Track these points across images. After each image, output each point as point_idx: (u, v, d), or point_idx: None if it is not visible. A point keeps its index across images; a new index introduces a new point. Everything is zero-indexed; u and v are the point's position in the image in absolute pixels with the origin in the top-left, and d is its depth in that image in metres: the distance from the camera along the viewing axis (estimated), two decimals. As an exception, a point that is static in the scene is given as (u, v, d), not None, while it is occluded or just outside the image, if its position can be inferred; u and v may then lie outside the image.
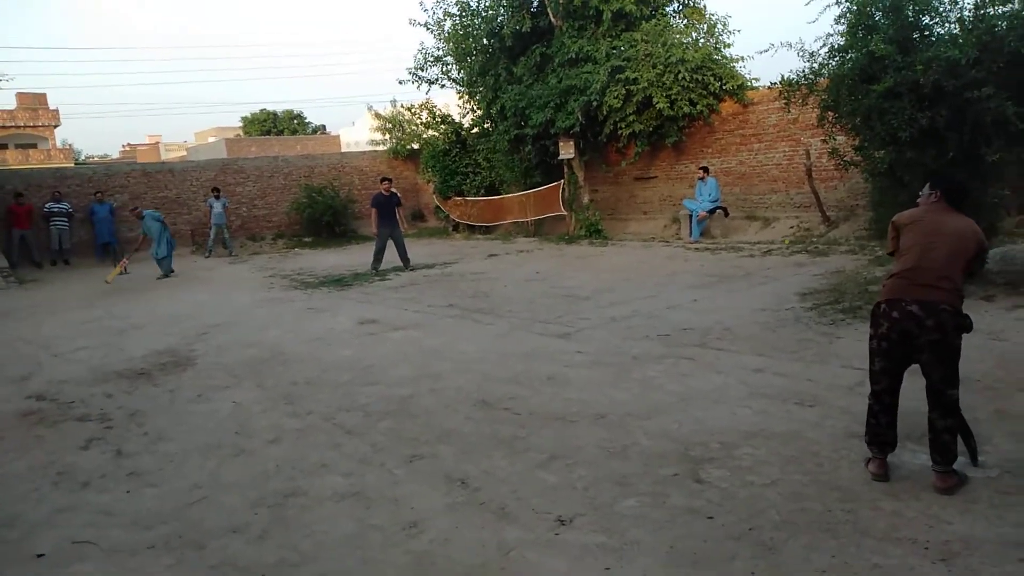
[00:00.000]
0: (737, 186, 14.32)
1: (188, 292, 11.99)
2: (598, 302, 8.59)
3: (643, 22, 14.59)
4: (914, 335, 3.46)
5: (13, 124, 46.01)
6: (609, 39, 14.70)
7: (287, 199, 20.40)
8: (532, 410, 4.92)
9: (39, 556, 3.38)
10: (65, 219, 17.03)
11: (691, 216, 13.76)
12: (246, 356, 7.07)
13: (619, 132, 14.55)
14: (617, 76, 13.95)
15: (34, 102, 47.01)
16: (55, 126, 48.01)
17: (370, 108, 22.03)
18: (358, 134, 43.10)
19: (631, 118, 14.19)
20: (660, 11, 15.24)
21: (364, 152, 23.57)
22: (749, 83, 14.12)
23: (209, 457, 4.49)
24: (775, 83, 10.02)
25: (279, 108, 51.26)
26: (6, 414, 5.66)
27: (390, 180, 13.27)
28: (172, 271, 14.00)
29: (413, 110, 20.76)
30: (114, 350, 7.74)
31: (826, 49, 7.34)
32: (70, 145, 49.86)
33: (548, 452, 4.17)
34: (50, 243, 16.87)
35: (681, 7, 15.67)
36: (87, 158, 54.21)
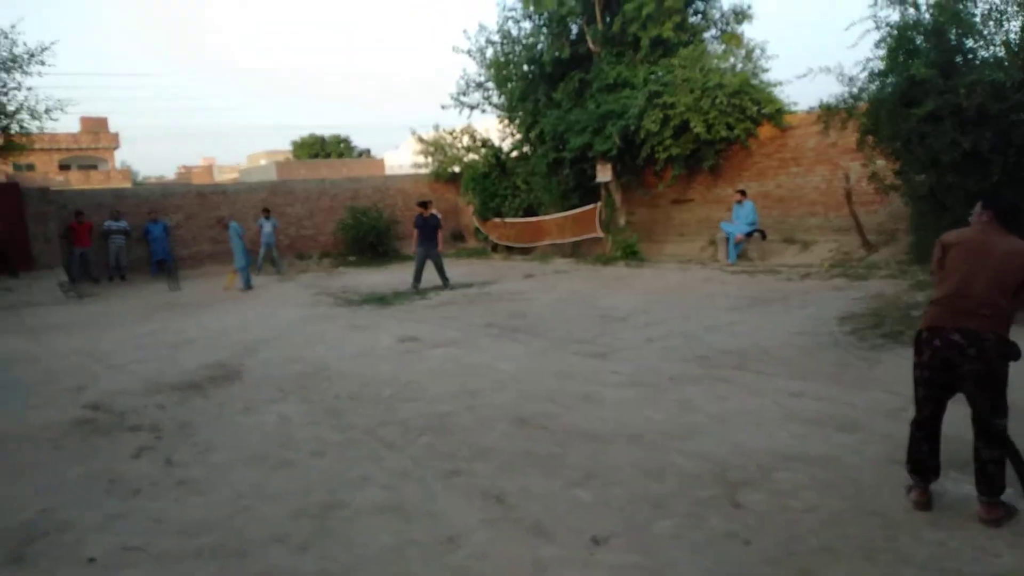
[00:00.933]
0: (775, 209, 14.13)
1: (239, 308, 12.25)
2: (634, 323, 8.52)
3: (681, 48, 14.59)
4: (956, 364, 3.33)
5: (76, 147, 47.91)
6: (647, 65, 14.74)
7: (333, 220, 20.76)
8: (568, 429, 4.89)
9: (91, 560, 3.46)
10: (123, 236, 17.61)
11: (728, 239, 13.60)
12: (292, 371, 7.18)
13: (656, 155, 14.51)
14: (655, 101, 13.95)
15: (96, 126, 48.92)
16: (115, 148, 49.84)
17: (413, 132, 22.39)
18: (402, 157, 43.81)
19: (668, 142, 14.15)
20: (698, 37, 15.24)
21: (407, 175, 23.91)
22: (787, 107, 13.99)
23: (254, 468, 4.56)
24: (814, 108, 9.91)
25: (327, 132, 52.37)
26: (63, 423, 5.83)
27: (425, 204, 13.43)
28: (250, 285, 14.54)
29: (455, 134, 21.05)
30: (167, 363, 7.93)
31: (866, 73, 7.26)
32: (128, 167, 51.67)
33: (584, 471, 4.14)
34: (108, 260, 17.44)
35: (719, 33, 15.64)
36: (144, 179, 56.03)
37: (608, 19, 15.38)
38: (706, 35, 15.57)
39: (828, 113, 7.76)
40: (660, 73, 14.41)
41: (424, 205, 13.31)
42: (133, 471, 4.63)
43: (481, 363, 7.00)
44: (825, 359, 6.22)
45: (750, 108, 13.72)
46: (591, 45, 15.45)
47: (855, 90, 7.31)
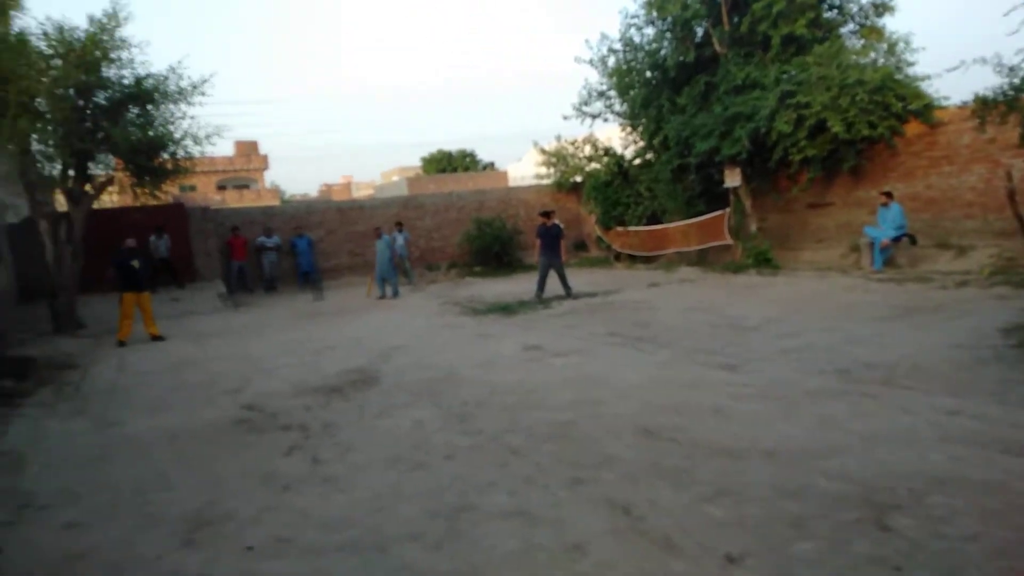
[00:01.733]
0: (925, 212, 13.06)
1: (374, 317, 12.91)
2: (767, 333, 8.16)
3: (816, 45, 13.86)
4: None
5: (231, 168, 52.43)
6: (778, 64, 14.12)
7: (459, 231, 21.41)
8: (696, 442, 4.76)
9: (249, 548, 3.77)
10: (275, 252, 19.07)
11: (873, 244, 12.72)
12: (423, 377, 7.48)
13: (790, 158, 13.85)
14: (788, 101, 13.33)
15: (248, 149, 53.33)
16: (264, 169, 54.07)
17: (535, 144, 22.69)
18: (524, 169, 44.43)
19: (803, 143, 13.46)
20: (834, 33, 14.42)
21: (529, 186, 24.25)
22: (936, 102, 12.91)
23: (391, 469, 4.79)
24: (968, 102, 9.08)
25: (454, 147, 54.21)
26: (223, 421, 6.39)
27: (548, 214, 13.54)
28: (385, 294, 15.45)
29: (576, 144, 21.12)
30: (311, 368, 8.49)
31: (1031, 61, 6.56)
32: (276, 186, 55.83)
33: (715, 486, 4.01)
34: (262, 272, 18.94)
35: (858, 27, 14.72)
36: (290, 197, 60.31)
37: (735, 19, 14.91)
38: (843, 30, 14.71)
39: (985, 107, 7.09)
40: (793, 72, 13.76)
41: (547, 215, 13.45)
42: (284, 467, 5.00)
43: (605, 373, 6.97)
44: (986, 375, 5.67)
45: (894, 104, 12.79)
46: (717, 47, 15.02)
47: (1016, 80, 6.63)
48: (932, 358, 6.31)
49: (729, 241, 15.45)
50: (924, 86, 13.03)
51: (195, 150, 13.89)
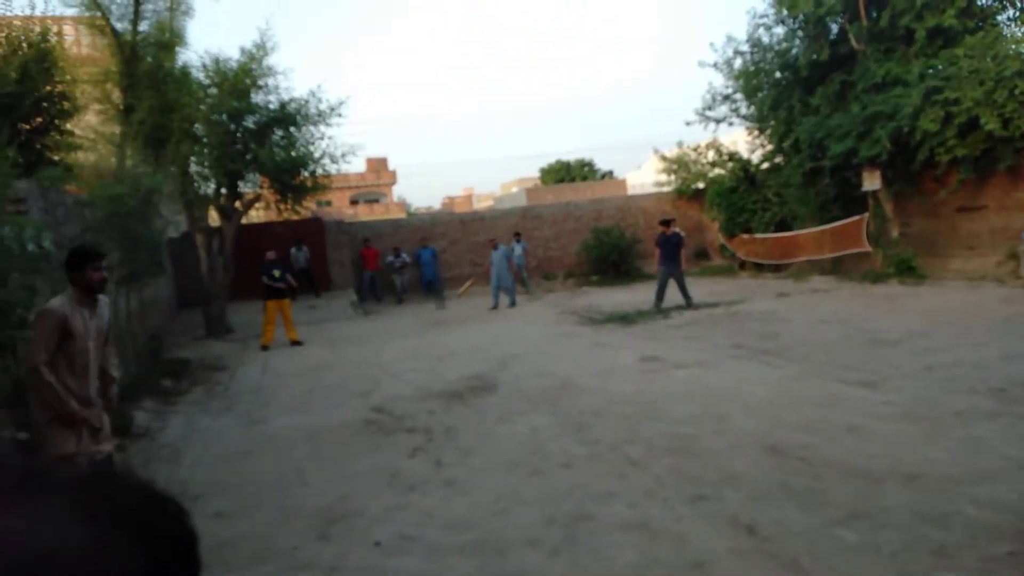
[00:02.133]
0: (1100, 214, 11.67)
1: (492, 326, 13.19)
2: (910, 348, 7.60)
3: (967, 36, 12.78)
4: None
5: (363, 184, 55.33)
6: (923, 59, 13.14)
7: (577, 240, 21.44)
8: (829, 462, 4.52)
9: (377, 544, 3.98)
10: (404, 269, 19.95)
11: (1034, 251, 11.51)
12: (541, 385, 7.56)
13: (936, 158, 12.82)
14: (934, 97, 12.37)
15: (378, 165, 56.08)
16: (392, 184, 56.64)
17: (656, 151, 22.33)
18: (643, 177, 43.74)
19: (952, 142, 12.43)
20: (989, 21, 13.23)
21: (649, 194, 23.89)
22: (1116, 91, 11.52)
23: (510, 474, 4.89)
24: None
25: (572, 157, 54.33)
26: (355, 422, 6.76)
27: (667, 222, 13.30)
28: (498, 303, 15.83)
29: (699, 149, 20.59)
30: (434, 373, 8.81)
31: None
32: (403, 200, 58.33)
33: (848, 509, 3.80)
34: (392, 285, 19.84)
35: (1018, 13, 13.42)
36: (416, 210, 62.81)
37: (874, 14, 14.03)
38: (1000, 18, 13.46)
39: None
40: (940, 66, 12.76)
41: (666, 223, 13.22)
42: (409, 468, 5.23)
43: (729, 386, 6.75)
44: None
45: (1062, 97, 11.55)
46: (854, 43, 14.19)
47: None
48: (1108, 379, 5.63)
49: (868, 248, 14.49)
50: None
51: (332, 168, 14.80)
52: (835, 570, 3.18)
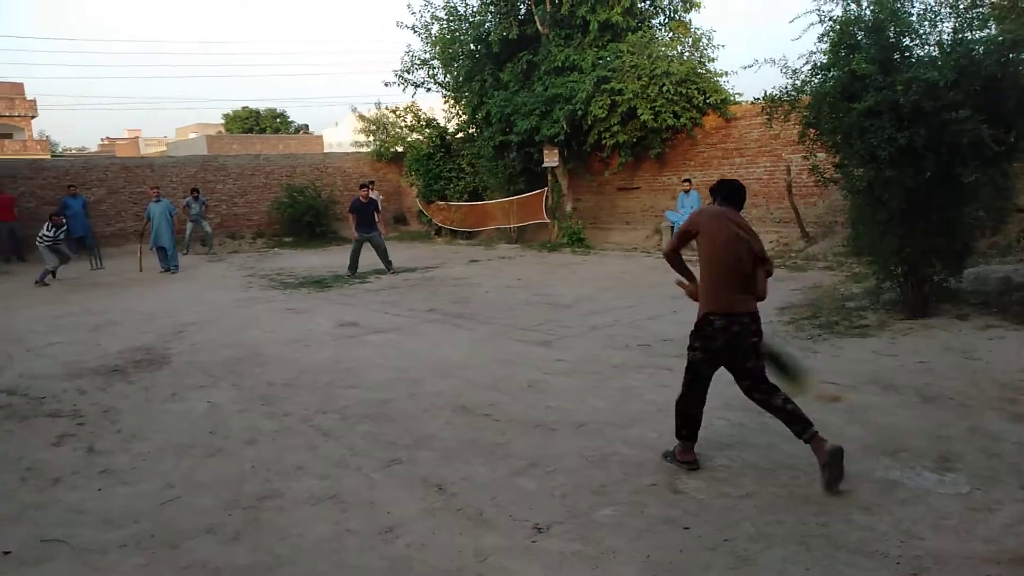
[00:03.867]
0: (719, 199, 14.47)
1: (165, 290, 11.85)
2: (579, 310, 8.63)
3: (629, 34, 14.72)
4: (742, 342, 3.81)
5: (-11, 113, 45.19)
6: (595, 49, 14.82)
7: (268, 198, 20.26)
8: (512, 417, 4.93)
9: (6, 553, 3.32)
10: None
11: (673, 227, 13.88)
12: (223, 356, 7.00)
13: (603, 142, 14.66)
14: (603, 86, 14.06)
15: (11, 91, 46.20)
16: (32, 117, 47.21)
17: (354, 109, 21.99)
18: (341, 135, 42.89)
19: (615, 128, 14.30)
20: (646, 24, 15.40)
21: (347, 153, 23.48)
22: (732, 98, 14.31)
23: (183, 457, 4.44)
24: (758, 99, 10.14)
25: (262, 106, 50.83)
26: (-26, 409, 5.54)
27: (367, 186, 13.23)
28: (169, 267, 14.11)
29: (398, 112, 20.75)
30: (89, 346, 7.62)
31: (809, 66, 7.44)
32: (47, 137, 49.09)
33: (528, 459, 4.18)
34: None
35: (667, 20, 15.84)
36: (64, 151, 53.40)
37: (557, 0, 15.38)
38: (654, 21, 15.74)
39: (772, 104, 7.96)
40: (608, 58, 14.52)
41: (366, 187, 13.10)
42: (53, 459, 4.45)
43: (423, 350, 6.98)
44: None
45: (696, 97, 13.98)
46: (539, 26, 15.42)
47: (798, 82, 7.51)
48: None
49: (546, 220, 16.08)
50: (722, 82, 14.37)
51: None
52: (514, 517, 3.48)
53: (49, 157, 35.00)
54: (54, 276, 12.94)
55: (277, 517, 3.60)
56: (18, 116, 46.76)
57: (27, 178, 17.24)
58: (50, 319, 9.29)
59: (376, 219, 12.85)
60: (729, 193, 4.01)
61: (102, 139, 60.73)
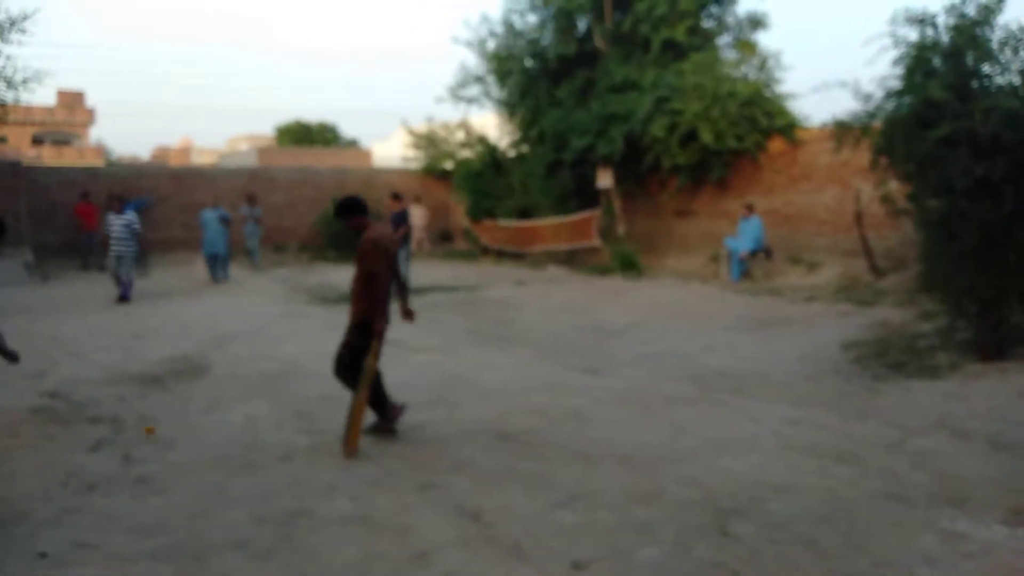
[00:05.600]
0: (783, 227, 14.23)
1: (209, 300, 12.20)
2: (629, 338, 8.56)
3: (693, 52, 14.70)
4: None
5: (51, 121, 47.58)
6: (657, 68, 14.83)
7: (315, 211, 20.71)
8: (553, 445, 4.90)
9: (42, 555, 3.45)
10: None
11: (732, 255, 13.69)
12: (261, 369, 7.16)
13: (661, 163, 14.59)
14: (663, 106, 14.04)
15: (72, 100, 48.59)
16: (90, 124, 49.55)
17: (405, 124, 22.39)
18: (391, 149, 43.69)
19: (675, 150, 14.22)
20: (711, 42, 15.36)
21: (396, 169, 23.91)
22: (799, 122, 14.11)
23: (217, 469, 4.54)
24: (827, 123, 10.00)
25: (313, 117, 52.16)
26: (20, 410, 5.79)
27: (398, 197, 13.37)
28: (217, 276, 14.52)
29: (449, 128, 21.07)
30: (130, 353, 7.89)
31: (882, 91, 7.30)
32: (103, 144, 51.30)
33: (568, 491, 4.15)
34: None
35: (733, 40, 15.77)
36: (119, 158, 55.75)
37: (618, 17, 15.49)
38: (720, 41, 15.69)
39: (842, 130, 7.83)
40: (670, 77, 14.51)
41: (397, 198, 13.22)
42: (91, 465, 4.61)
43: (464, 372, 7.01)
44: (826, 387, 6.27)
45: (761, 120, 13.83)
46: (598, 43, 15.53)
47: (870, 108, 7.37)
48: (779, 369, 6.89)
49: (597, 243, 16.04)
50: (789, 104, 14.19)
51: (8, 96, 12.43)
52: (553, 551, 3.45)
53: (105, 165, 36.58)
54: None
55: (308, 536, 3.65)
56: (78, 124, 49.14)
57: (83, 184, 18.01)
58: (96, 324, 9.65)
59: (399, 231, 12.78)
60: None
61: (156, 148, 63.18)
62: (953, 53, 6.74)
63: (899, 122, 7.07)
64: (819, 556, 3.36)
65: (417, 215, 20.05)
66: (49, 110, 47.55)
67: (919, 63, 6.94)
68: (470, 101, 18.30)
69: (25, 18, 12.34)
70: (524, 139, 17.79)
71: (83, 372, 7.05)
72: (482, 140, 19.94)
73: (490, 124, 20.03)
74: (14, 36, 12.28)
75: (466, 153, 20.40)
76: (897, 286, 11.34)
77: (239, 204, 18.03)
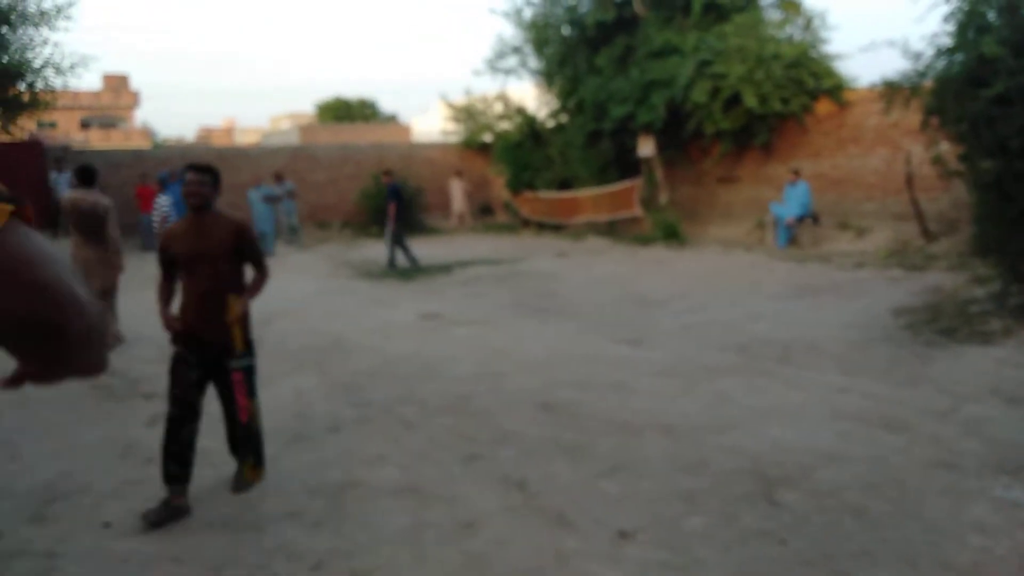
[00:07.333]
0: (830, 192, 13.88)
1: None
2: (672, 308, 8.50)
3: (735, 14, 14.32)
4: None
5: (97, 104, 48.78)
6: (698, 31, 14.49)
7: (356, 188, 20.91)
8: (597, 416, 4.92)
9: (107, 525, 3.61)
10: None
11: (778, 222, 13.42)
12: (308, 343, 7.32)
13: (704, 130, 14.32)
14: (705, 70, 13.74)
15: (117, 83, 49.71)
16: (135, 107, 50.66)
17: (443, 98, 22.35)
18: (430, 124, 43.72)
19: (717, 115, 13.93)
20: (754, 3, 14.94)
21: (435, 143, 23.94)
22: (847, 83, 13.67)
23: (269, 442, 4.65)
24: (875, 84, 9.69)
25: (352, 93, 52.50)
26: (78, 386, 6.01)
27: (389, 173, 13.44)
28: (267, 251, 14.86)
29: (487, 100, 20.96)
30: (183, 330, 8.12)
31: (932, 50, 7.04)
32: (148, 127, 52.43)
33: (612, 461, 4.17)
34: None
35: (777, -1, 15.31)
36: (164, 140, 56.92)
37: (658, -20, 15.14)
38: (763, 1, 15.25)
39: (891, 90, 7.58)
40: (712, 40, 14.17)
41: (388, 174, 13.28)
42: (147, 438, 4.79)
43: (507, 344, 7.06)
44: (876, 354, 6.15)
45: (808, 81, 13.43)
46: (637, 8, 15.22)
47: (920, 67, 7.11)
48: (827, 337, 6.77)
49: (638, 213, 15.87)
50: (836, 65, 13.75)
51: (57, 82, 12.80)
52: (598, 521, 3.49)
53: (151, 147, 37.41)
54: None
55: (359, 506, 3.75)
56: (123, 107, 50.28)
57: (129, 167, 18.49)
58: (150, 304, 9.94)
59: (389, 211, 12.82)
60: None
61: (200, 128, 64.30)
62: (1008, 6, 6.45)
63: (951, 81, 6.83)
64: (868, 524, 3.33)
65: (457, 189, 20.12)
66: (95, 94, 48.77)
67: (972, 18, 6.66)
68: (508, 72, 18.18)
69: (71, 4, 12.64)
70: (563, 109, 17.61)
71: (138, 350, 7.29)
72: (520, 111, 19.81)
73: (528, 95, 19.87)
74: (60, 23, 12.61)
75: (505, 125, 20.30)
76: (949, 250, 11.01)
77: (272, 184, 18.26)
